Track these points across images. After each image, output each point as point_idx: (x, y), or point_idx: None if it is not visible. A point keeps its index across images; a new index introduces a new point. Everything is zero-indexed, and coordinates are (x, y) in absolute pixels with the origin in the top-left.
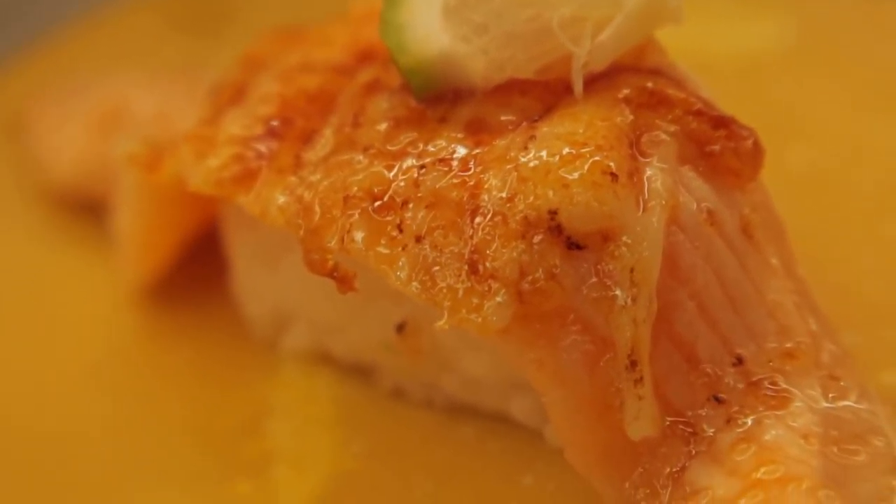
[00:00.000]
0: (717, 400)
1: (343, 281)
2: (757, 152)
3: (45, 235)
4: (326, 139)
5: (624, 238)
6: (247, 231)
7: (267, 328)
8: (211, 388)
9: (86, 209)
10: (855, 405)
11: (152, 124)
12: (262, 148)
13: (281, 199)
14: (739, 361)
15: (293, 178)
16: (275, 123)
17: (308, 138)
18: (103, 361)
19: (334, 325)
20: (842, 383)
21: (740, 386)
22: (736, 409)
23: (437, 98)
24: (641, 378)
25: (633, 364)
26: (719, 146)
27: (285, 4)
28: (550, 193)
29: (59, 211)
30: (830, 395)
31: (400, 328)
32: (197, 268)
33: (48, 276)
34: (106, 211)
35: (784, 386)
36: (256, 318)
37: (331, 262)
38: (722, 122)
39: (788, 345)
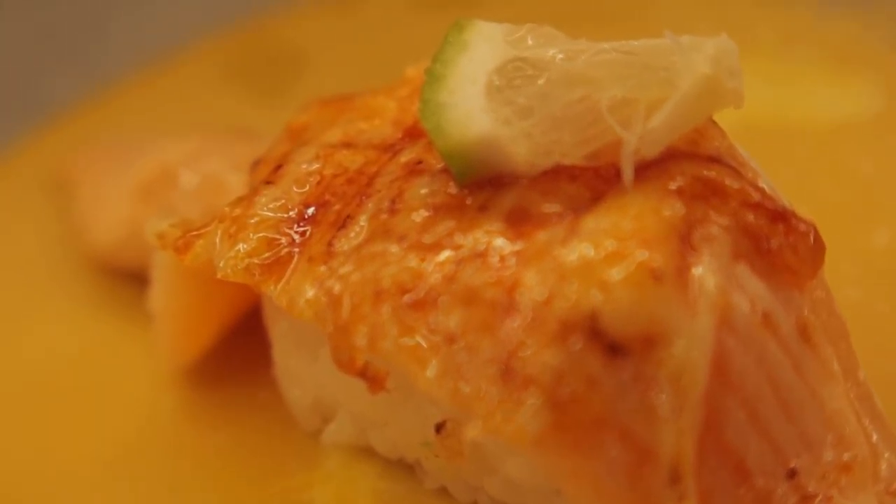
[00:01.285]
0: None
1: (374, 381)
2: (817, 249)
3: (87, 303)
4: (361, 226)
5: (670, 343)
6: (286, 316)
7: (309, 417)
8: (249, 479)
9: (130, 277)
10: None
11: (197, 194)
12: (295, 233)
13: (310, 292)
14: (793, 474)
15: (324, 269)
16: (310, 207)
17: (343, 224)
18: (138, 444)
19: (375, 420)
20: None
21: (792, 500)
22: None
23: (478, 184)
24: (685, 494)
25: (677, 478)
26: (777, 242)
27: (354, 60)
28: (591, 294)
29: (103, 278)
30: None
31: (439, 428)
32: (242, 346)
33: (87, 346)
34: (149, 281)
35: (838, 502)
36: (299, 405)
37: (360, 362)
38: (780, 216)
39: (846, 456)
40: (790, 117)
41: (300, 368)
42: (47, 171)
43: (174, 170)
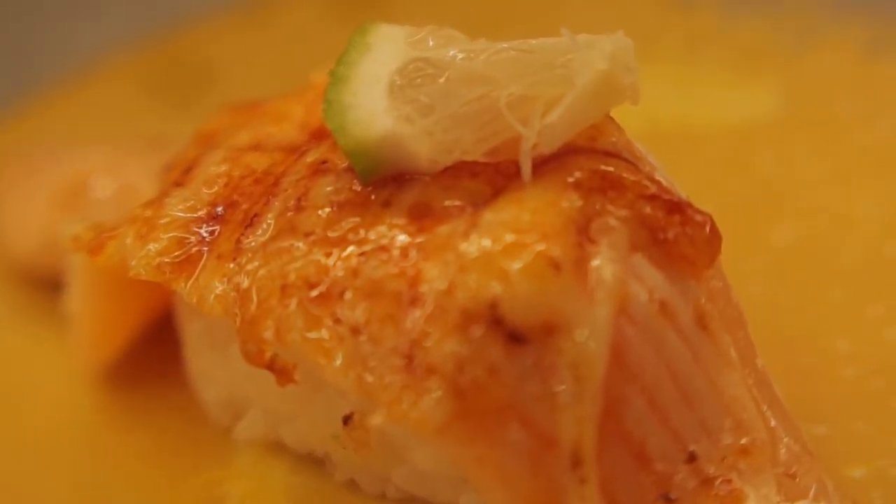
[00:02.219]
0: (668, 499)
1: (282, 373)
2: (713, 239)
3: (2, 310)
4: (268, 224)
5: (568, 331)
6: (197, 315)
7: (222, 414)
8: (163, 477)
9: (47, 285)
10: None
11: (112, 201)
12: (204, 232)
13: (219, 288)
14: (692, 458)
15: (232, 265)
16: (218, 206)
17: (250, 222)
18: (53, 446)
19: (285, 414)
20: (798, 481)
21: (692, 484)
22: None
23: (382, 181)
24: (586, 478)
25: (578, 463)
26: (673, 233)
27: (265, 72)
28: (491, 284)
29: (20, 287)
30: (786, 494)
31: (346, 420)
32: (156, 349)
33: (2, 352)
34: (64, 289)
35: (738, 485)
36: (211, 403)
37: (268, 354)
38: (677, 207)
39: (744, 441)
40: (695, 120)
41: (212, 367)
42: None
43: (89, 178)
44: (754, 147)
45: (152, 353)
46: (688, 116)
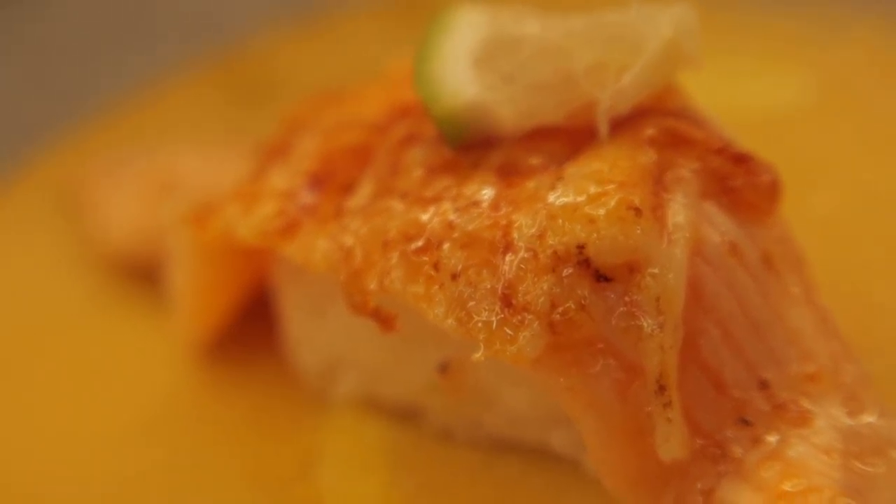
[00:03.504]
0: (744, 422)
1: (385, 321)
2: (775, 187)
3: (103, 301)
4: (365, 189)
5: (649, 269)
6: (295, 283)
7: (318, 377)
8: (264, 439)
9: (141, 276)
10: (875, 422)
11: (204, 192)
12: (305, 200)
13: (323, 247)
14: (764, 385)
15: (334, 227)
16: (316, 177)
17: (348, 189)
18: (158, 417)
19: (381, 369)
20: (862, 402)
21: (766, 408)
22: (762, 430)
23: (469, 146)
24: (670, 402)
25: (662, 389)
26: (739, 182)
27: (329, 69)
28: (578, 229)
29: (117, 276)
30: (852, 413)
31: (443, 368)
32: (251, 324)
33: (104, 339)
34: (160, 277)
35: (807, 406)
36: (308, 367)
37: (372, 304)
38: (742, 159)
39: (810, 368)
40: (727, 109)
41: (310, 331)
42: (58, 185)
43: (178, 172)
44: (790, 129)
45: (249, 326)
46: (720, 106)
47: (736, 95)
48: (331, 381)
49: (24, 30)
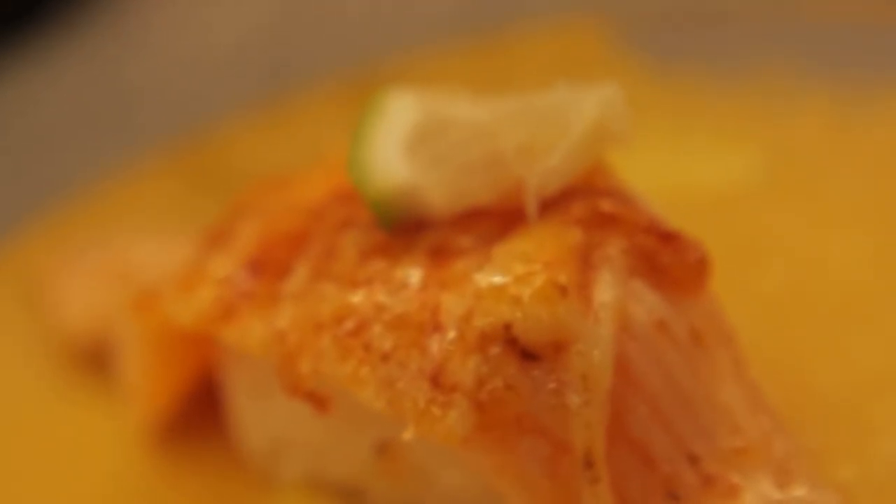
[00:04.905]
0: (674, 496)
1: (320, 404)
2: (703, 264)
3: (59, 384)
4: (301, 273)
5: (576, 347)
6: (239, 367)
7: (264, 458)
8: None
9: (97, 360)
10: (806, 496)
11: (158, 279)
12: (243, 285)
13: (259, 331)
14: (694, 460)
15: (270, 311)
16: (254, 263)
17: (284, 274)
18: (110, 498)
19: (324, 449)
20: (793, 475)
21: (695, 482)
22: None
23: (402, 229)
24: (598, 477)
25: (589, 464)
26: (667, 259)
27: (287, 155)
28: (504, 309)
29: (73, 362)
30: (782, 486)
31: (381, 450)
32: (200, 407)
33: (58, 421)
34: (113, 364)
35: (736, 480)
36: (254, 449)
37: (306, 386)
38: (669, 237)
39: (740, 442)
40: (673, 187)
41: (254, 412)
42: (18, 277)
43: (136, 264)
44: (737, 208)
45: (197, 410)
46: (674, 184)
47: (683, 174)
48: (276, 462)
49: None
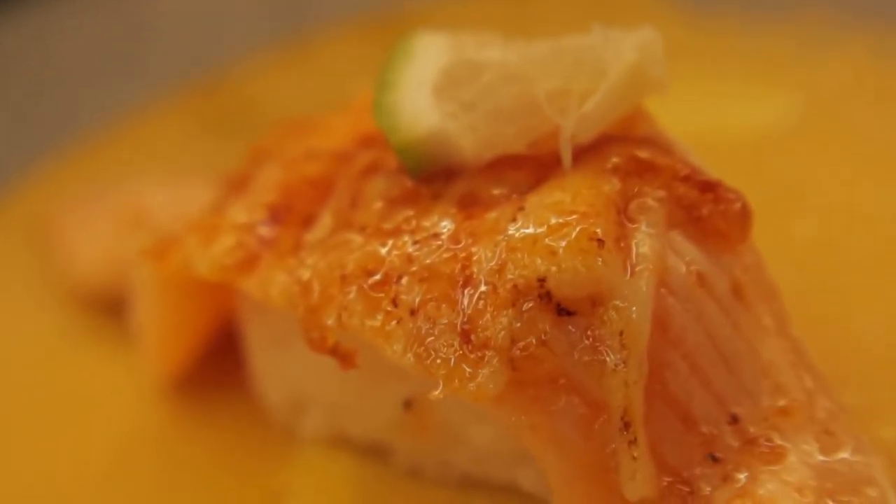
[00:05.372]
0: (714, 458)
1: (344, 358)
2: (745, 215)
3: (72, 334)
4: (325, 222)
5: (612, 302)
6: (259, 318)
7: (284, 413)
8: (231, 476)
9: (111, 308)
10: (850, 458)
11: (172, 224)
12: (265, 233)
13: (281, 281)
14: (734, 420)
15: (293, 261)
16: (277, 210)
17: (308, 222)
18: (125, 453)
19: (347, 406)
20: (837, 437)
21: (736, 444)
22: (732, 466)
23: (431, 176)
24: (636, 439)
25: (627, 425)
26: (707, 210)
27: (305, 96)
28: (538, 262)
29: (86, 310)
30: (825, 449)
31: (407, 405)
32: (219, 358)
33: (73, 373)
34: (128, 311)
35: (779, 442)
36: (274, 403)
37: (331, 340)
38: (709, 187)
39: (783, 402)
40: (712, 130)
41: (275, 367)
42: (28, 220)
43: (148, 204)
44: (773, 153)
45: (216, 361)
46: (705, 127)
47: (715, 118)
48: (297, 417)
49: None
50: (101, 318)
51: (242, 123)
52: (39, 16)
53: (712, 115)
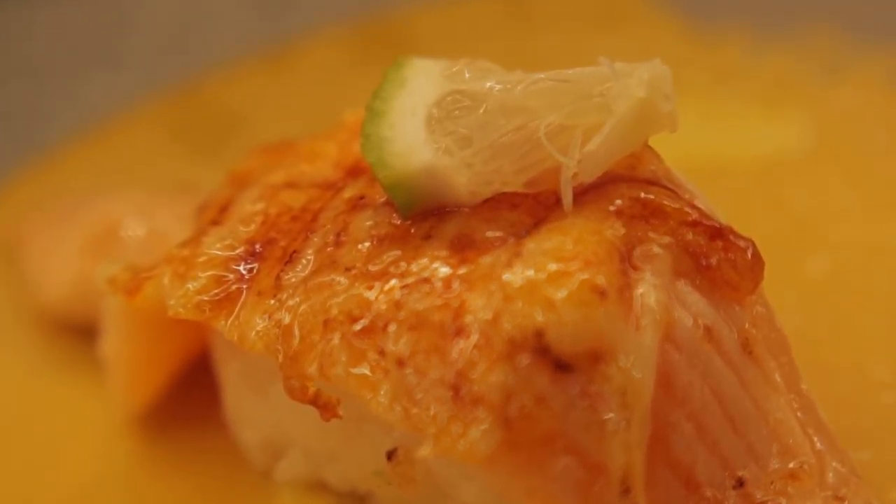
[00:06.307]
0: None
1: (326, 408)
2: (756, 264)
3: (37, 360)
4: (308, 260)
5: (615, 358)
6: (235, 356)
7: (261, 456)
8: None
9: (80, 333)
10: None
11: (143, 246)
12: (243, 269)
13: (260, 324)
14: (740, 484)
15: (273, 302)
16: (256, 244)
17: (290, 259)
18: (96, 492)
19: (327, 453)
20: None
21: None
22: None
23: (422, 215)
24: None
25: (627, 490)
26: (716, 258)
27: (292, 116)
28: (536, 313)
29: (53, 335)
30: None
31: (391, 456)
32: (193, 393)
33: (38, 402)
34: (99, 334)
35: None
36: (250, 445)
37: (312, 389)
38: (719, 233)
39: (792, 465)
40: (724, 155)
41: (251, 408)
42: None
43: (119, 223)
44: (784, 180)
45: (189, 396)
46: (717, 151)
47: (721, 141)
48: (275, 460)
49: None
50: (69, 343)
51: (220, 136)
52: (8, 8)
53: (717, 137)
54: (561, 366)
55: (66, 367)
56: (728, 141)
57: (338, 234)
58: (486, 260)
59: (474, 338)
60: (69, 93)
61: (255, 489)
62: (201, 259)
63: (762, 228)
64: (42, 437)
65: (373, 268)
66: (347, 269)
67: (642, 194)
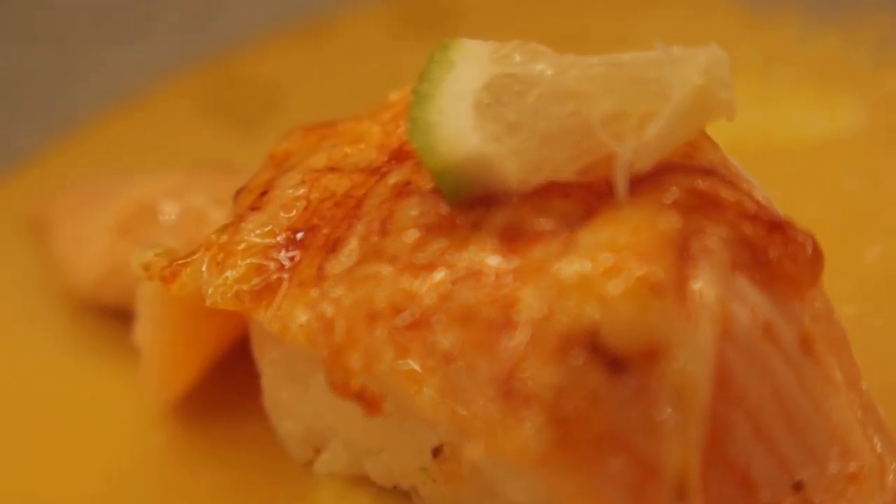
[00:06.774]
0: None
1: (370, 404)
2: (816, 258)
3: (69, 343)
4: (351, 249)
5: (671, 356)
6: (275, 345)
7: (301, 447)
8: None
9: (112, 314)
10: None
11: (178, 227)
12: (284, 258)
13: (302, 317)
14: (799, 487)
15: (315, 293)
16: (298, 231)
17: (332, 247)
18: (127, 482)
19: (370, 447)
20: None
21: None
22: None
23: (470, 203)
24: None
25: (682, 493)
26: (775, 252)
27: (330, 91)
28: (591, 310)
29: (85, 316)
30: None
31: (436, 452)
32: (230, 380)
33: (71, 387)
34: (132, 317)
35: None
36: (290, 436)
37: (355, 385)
38: (778, 226)
39: (852, 467)
40: (776, 137)
41: (291, 398)
42: (23, 213)
43: (154, 204)
44: (838, 163)
45: (226, 384)
46: (769, 133)
47: (779, 126)
48: (314, 452)
49: None
50: (98, 324)
51: (253, 110)
52: None
53: (769, 120)
54: (615, 364)
55: (95, 348)
56: (779, 123)
57: (383, 223)
58: (537, 252)
59: (526, 334)
60: (96, 65)
61: (295, 482)
62: (241, 246)
63: (816, 213)
64: (73, 422)
65: (419, 259)
66: (393, 260)
67: (699, 184)
